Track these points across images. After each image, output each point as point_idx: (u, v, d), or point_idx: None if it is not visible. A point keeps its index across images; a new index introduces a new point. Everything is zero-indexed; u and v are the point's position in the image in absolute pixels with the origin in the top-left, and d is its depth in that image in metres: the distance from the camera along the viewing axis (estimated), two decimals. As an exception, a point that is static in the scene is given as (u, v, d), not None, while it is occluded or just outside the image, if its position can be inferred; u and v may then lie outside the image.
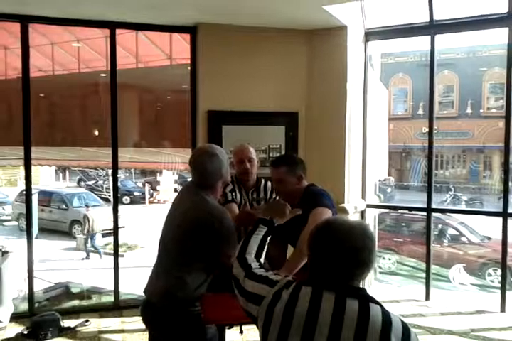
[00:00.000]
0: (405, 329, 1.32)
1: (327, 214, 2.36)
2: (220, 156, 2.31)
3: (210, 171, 2.28)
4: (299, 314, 1.35)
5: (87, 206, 13.18)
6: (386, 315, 1.32)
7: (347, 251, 1.36)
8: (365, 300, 1.34)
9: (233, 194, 2.97)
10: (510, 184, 4.63)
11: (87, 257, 11.53)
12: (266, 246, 1.85)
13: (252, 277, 1.58)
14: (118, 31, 4.43)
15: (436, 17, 4.55)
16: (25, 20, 4.16)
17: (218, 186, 2.36)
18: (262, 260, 1.77)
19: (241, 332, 2.51)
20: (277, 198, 2.05)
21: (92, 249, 11.75)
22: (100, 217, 12.06)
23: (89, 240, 11.81)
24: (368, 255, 1.38)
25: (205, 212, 2.23)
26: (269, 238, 1.91)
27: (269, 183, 3.11)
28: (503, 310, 4.44)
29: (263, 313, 1.43)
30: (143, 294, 2.37)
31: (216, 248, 2.22)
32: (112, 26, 4.36)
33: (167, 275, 2.27)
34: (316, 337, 1.31)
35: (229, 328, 2.55)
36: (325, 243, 1.39)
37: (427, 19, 4.59)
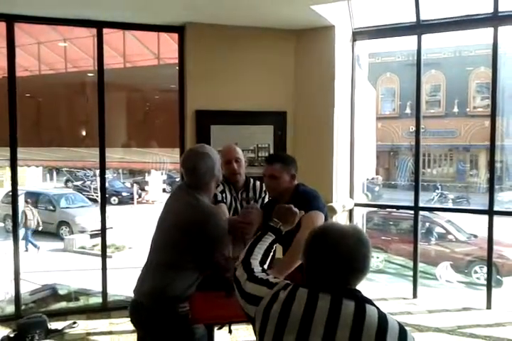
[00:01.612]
0: (402, 331, 1.32)
1: (320, 217, 2.40)
2: (211, 156, 2.32)
3: (203, 171, 2.29)
4: (294, 314, 1.35)
5: (26, 202, 13.03)
6: (382, 317, 1.32)
7: (342, 259, 1.37)
8: (362, 301, 1.34)
9: (223, 195, 2.98)
10: (495, 182, 4.68)
11: (26, 250, 11.63)
12: (271, 254, 1.86)
13: (252, 280, 1.59)
14: (105, 30, 4.40)
15: (422, 17, 4.59)
16: (11, 20, 4.12)
17: (211, 186, 2.37)
18: (265, 266, 1.78)
19: (230, 331, 2.52)
20: (285, 205, 2.04)
21: (29, 243, 11.81)
22: (88, 217, 11.94)
23: (26, 234, 11.89)
24: (363, 262, 1.38)
25: (199, 212, 2.23)
26: (275, 246, 1.90)
27: (258, 183, 3.12)
28: (489, 307, 4.49)
29: (260, 313, 1.44)
30: (131, 295, 2.36)
31: (209, 248, 2.22)
32: (99, 25, 4.33)
33: (157, 275, 2.27)
34: (311, 336, 1.31)
35: (219, 329, 2.55)
36: (320, 250, 1.40)
37: (414, 19, 4.63)
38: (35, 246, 11.85)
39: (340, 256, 1.37)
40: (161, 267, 2.28)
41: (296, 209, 2.05)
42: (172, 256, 2.25)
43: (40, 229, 12.38)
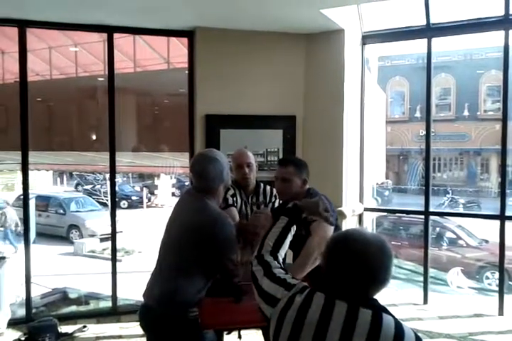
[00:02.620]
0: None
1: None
2: (220, 160, 2.32)
3: (212, 176, 2.29)
4: (310, 319, 1.34)
5: (7, 203, 13.10)
6: (399, 327, 1.30)
7: (363, 269, 1.33)
8: (379, 310, 1.32)
9: (234, 199, 2.97)
10: (507, 186, 4.63)
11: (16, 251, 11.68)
12: (288, 238, 1.78)
13: (270, 276, 1.55)
14: (115, 35, 4.43)
15: (432, 20, 4.57)
16: (23, 25, 4.16)
17: (220, 190, 2.36)
18: (282, 252, 1.72)
19: (239, 337, 2.50)
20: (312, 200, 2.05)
21: (8, 242, 11.91)
22: (98, 221, 11.98)
23: (6, 234, 12.06)
24: (385, 273, 1.35)
25: (206, 217, 2.23)
26: (293, 228, 1.83)
27: (268, 187, 3.11)
28: (501, 313, 4.43)
29: (275, 316, 1.42)
30: (141, 299, 2.36)
31: (217, 253, 2.22)
32: (109, 30, 4.36)
33: (167, 280, 2.26)
34: None
35: (228, 333, 2.54)
36: (341, 258, 1.36)
37: (424, 22, 4.61)
38: (14, 247, 11.79)
39: (363, 266, 1.33)
40: (170, 272, 2.27)
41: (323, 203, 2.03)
42: (181, 261, 2.24)
43: (18, 229, 12.36)
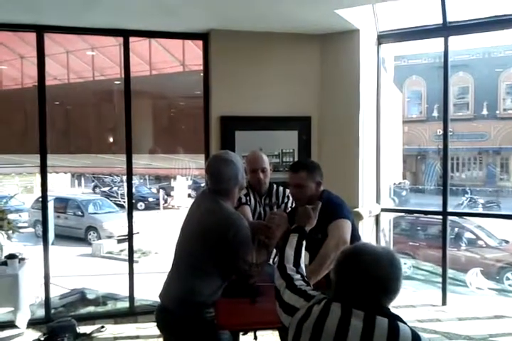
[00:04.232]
0: None
1: (347, 226, 2.38)
2: (235, 162, 2.34)
3: (227, 177, 2.31)
4: (328, 328, 1.36)
5: None
6: (415, 335, 1.33)
7: (374, 282, 1.37)
8: (394, 318, 1.35)
9: (247, 198, 3.01)
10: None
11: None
12: (303, 252, 1.88)
13: (291, 288, 1.60)
14: (131, 39, 4.48)
15: (449, 19, 4.52)
16: (40, 30, 4.22)
17: (235, 192, 2.38)
18: (302, 265, 1.79)
19: (255, 338, 2.51)
20: (303, 207, 2.11)
21: None
22: (115, 222, 12.08)
23: None
24: (395, 284, 1.39)
25: (221, 218, 2.25)
26: (304, 243, 1.93)
27: (281, 188, 3.13)
28: (522, 315, 4.36)
29: (294, 325, 1.46)
30: (158, 300, 2.38)
31: (232, 254, 2.23)
32: (125, 34, 4.40)
33: (183, 281, 2.28)
34: None
35: (244, 334, 2.54)
36: (351, 271, 1.40)
37: (440, 21, 4.55)
38: None
39: (373, 279, 1.37)
40: (185, 273, 2.29)
41: (309, 210, 2.13)
42: (196, 262, 2.26)
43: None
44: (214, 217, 2.27)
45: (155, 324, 2.42)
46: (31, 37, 4.27)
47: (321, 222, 2.40)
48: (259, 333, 2.52)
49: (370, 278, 1.37)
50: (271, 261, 3.06)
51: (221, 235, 2.21)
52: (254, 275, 2.31)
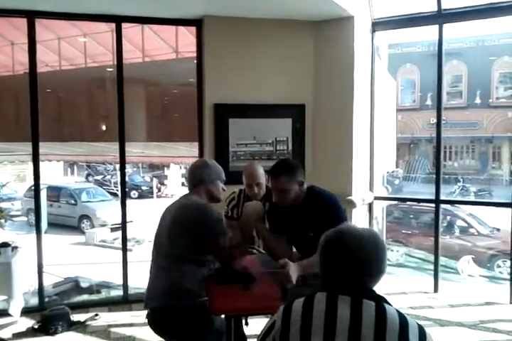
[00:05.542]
0: (421, 328, 1.35)
1: None
2: (210, 165, 2.59)
3: (197, 176, 2.54)
4: (317, 316, 1.36)
5: None
6: (402, 315, 1.35)
7: (358, 265, 1.39)
8: (380, 300, 1.37)
9: (233, 211, 3.26)
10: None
11: None
12: None
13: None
14: (124, 25, 4.41)
15: (444, 6, 4.49)
16: (31, 16, 4.15)
17: (210, 189, 2.53)
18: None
19: (246, 323, 2.52)
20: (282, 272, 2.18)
21: None
22: (108, 211, 12.07)
23: None
24: (380, 265, 1.41)
25: (189, 208, 2.42)
26: None
27: None
28: (512, 301, 4.42)
29: (279, 320, 1.41)
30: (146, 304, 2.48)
31: (206, 239, 2.35)
32: (117, 20, 4.34)
33: (165, 274, 2.37)
34: (337, 337, 1.32)
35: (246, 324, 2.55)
36: (336, 254, 1.41)
37: (435, 8, 4.53)
38: None
39: (357, 262, 1.39)
40: (167, 266, 2.38)
41: (290, 277, 2.14)
42: (175, 252, 2.37)
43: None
44: (185, 208, 2.44)
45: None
46: (22, 23, 4.19)
47: (313, 220, 2.41)
48: (250, 320, 2.53)
49: (354, 261, 1.38)
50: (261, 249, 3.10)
51: (192, 221, 2.35)
52: (232, 258, 2.42)
